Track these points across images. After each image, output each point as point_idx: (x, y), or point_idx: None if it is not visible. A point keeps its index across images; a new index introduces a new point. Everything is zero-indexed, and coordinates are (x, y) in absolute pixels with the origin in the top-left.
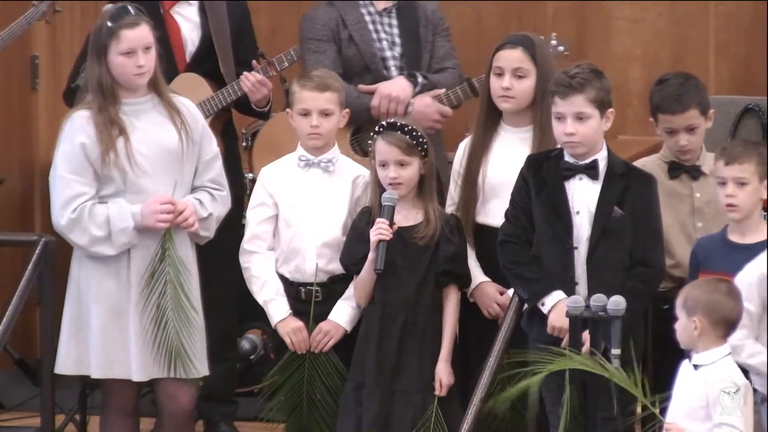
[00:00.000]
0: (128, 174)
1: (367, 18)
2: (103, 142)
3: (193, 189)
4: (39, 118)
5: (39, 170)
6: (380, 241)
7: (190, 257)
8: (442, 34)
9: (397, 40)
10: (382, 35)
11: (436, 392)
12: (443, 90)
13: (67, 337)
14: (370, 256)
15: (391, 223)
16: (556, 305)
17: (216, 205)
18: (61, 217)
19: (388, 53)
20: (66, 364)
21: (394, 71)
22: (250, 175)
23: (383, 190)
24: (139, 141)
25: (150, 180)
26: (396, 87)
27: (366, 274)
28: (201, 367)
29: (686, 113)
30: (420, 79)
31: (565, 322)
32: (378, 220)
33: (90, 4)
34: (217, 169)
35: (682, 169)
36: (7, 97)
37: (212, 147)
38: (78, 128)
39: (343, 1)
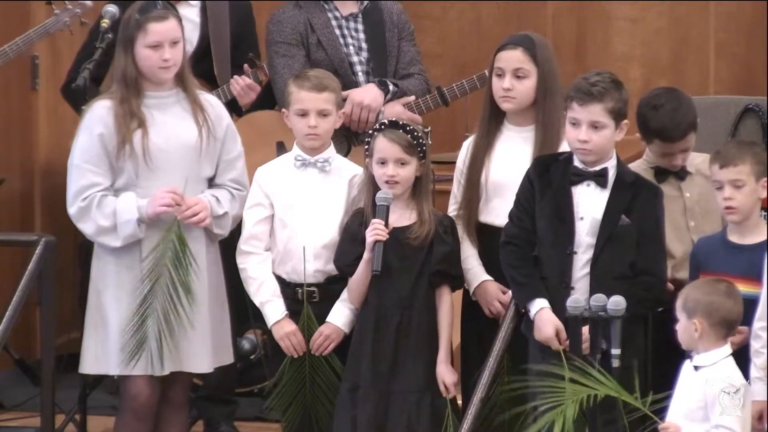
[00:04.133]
0: (141, 167)
1: (334, 23)
2: (119, 133)
3: (214, 186)
4: (39, 118)
5: (39, 170)
6: (376, 242)
7: (202, 252)
8: (408, 38)
9: (364, 45)
10: (349, 40)
11: (443, 395)
12: (413, 97)
13: (87, 336)
14: (366, 256)
15: (386, 223)
16: (537, 313)
17: (235, 204)
18: (71, 205)
19: (355, 58)
20: (88, 362)
21: (361, 76)
22: None
23: (377, 190)
24: (158, 134)
25: (164, 174)
26: (368, 95)
27: (360, 276)
28: (209, 362)
29: (685, 138)
30: (391, 87)
31: (543, 329)
32: (373, 220)
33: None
34: (239, 169)
35: (668, 172)
36: (7, 97)
37: (236, 146)
38: (97, 118)
39: (309, 2)
